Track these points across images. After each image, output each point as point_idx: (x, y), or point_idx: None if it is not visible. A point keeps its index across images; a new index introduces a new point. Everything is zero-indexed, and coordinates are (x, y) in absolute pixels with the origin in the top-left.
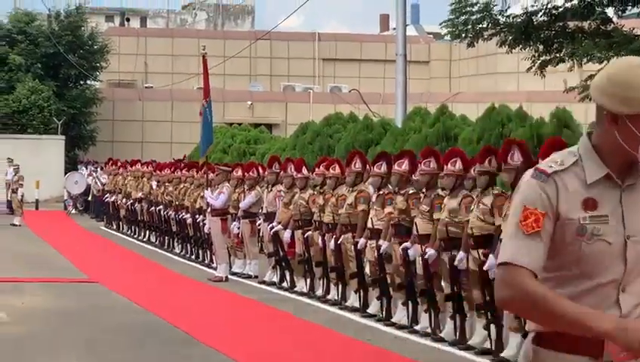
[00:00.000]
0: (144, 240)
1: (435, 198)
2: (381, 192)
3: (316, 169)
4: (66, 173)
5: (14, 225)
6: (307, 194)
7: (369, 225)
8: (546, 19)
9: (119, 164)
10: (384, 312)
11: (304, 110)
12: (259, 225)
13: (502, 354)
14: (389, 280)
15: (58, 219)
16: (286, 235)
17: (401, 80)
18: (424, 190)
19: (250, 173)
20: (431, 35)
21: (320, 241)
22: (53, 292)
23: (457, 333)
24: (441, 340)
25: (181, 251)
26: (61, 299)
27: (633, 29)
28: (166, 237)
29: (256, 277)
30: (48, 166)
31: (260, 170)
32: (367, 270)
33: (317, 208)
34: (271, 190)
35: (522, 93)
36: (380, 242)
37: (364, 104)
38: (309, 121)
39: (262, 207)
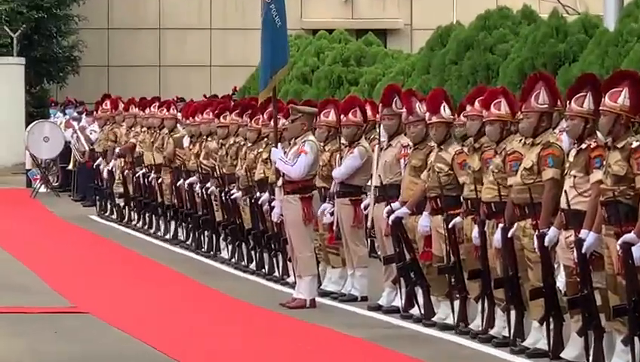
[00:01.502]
0: (166, 237)
1: None
2: (584, 146)
3: (467, 107)
4: (28, 125)
5: None
6: (451, 153)
7: (563, 204)
8: None
9: (121, 105)
10: (590, 359)
11: (442, 5)
12: (366, 207)
13: None
14: (598, 301)
15: (17, 204)
16: (422, 224)
17: None
18: None
19: (351, 117)
20: None
21: (475, 234)
22: (12, 330)
23: None
24: None
25: (231, 257)
26: (28, 341)
27: None
28: (205, 233)
29: (364, 299)
30: None
31: (369, 112)
32: (560, 282)
33: (468, 176)
34: (387, 147)
35: None
36: (582, 233)
37: None
38: (452, 23)
39: (375, 175)
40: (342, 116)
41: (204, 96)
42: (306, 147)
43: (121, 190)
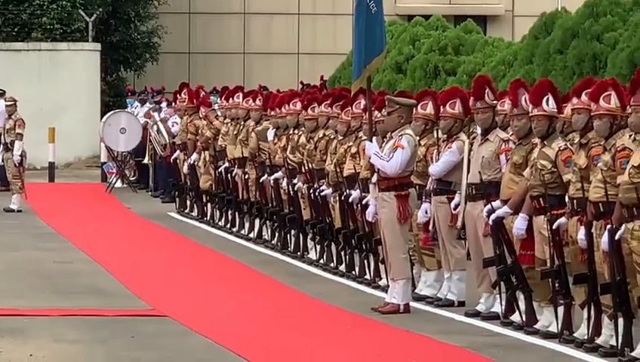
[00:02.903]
0: (250, 236)
1: None
2: None
3: (573, 100)
4: (104, 115)
5: (9, 210)
6: (555, 149)
7: None
8: None
9: (202, 95)
10: None
11: None
12: (456, 207)
13: None
14: None
15: (91, 199)
16: (517, 226)
17: None
18: None
19: (449, 109)
20: None
21: (581, 236)
22: (90, 335)
23: None
24: None
25: (320, 257)
26: (105, 346)
27: None
28: (292, 232)
29: (461, 303)
30: (71, 100)
31: (470, 104)
32: None
33: (574, 174)
34: (484, 141)
35: None
36: None
37: None
38: (558, 10)
39: (465, 172)
40: (441, 108)
41: (302, 83)
42: (403, 141)
43: (208, 186)
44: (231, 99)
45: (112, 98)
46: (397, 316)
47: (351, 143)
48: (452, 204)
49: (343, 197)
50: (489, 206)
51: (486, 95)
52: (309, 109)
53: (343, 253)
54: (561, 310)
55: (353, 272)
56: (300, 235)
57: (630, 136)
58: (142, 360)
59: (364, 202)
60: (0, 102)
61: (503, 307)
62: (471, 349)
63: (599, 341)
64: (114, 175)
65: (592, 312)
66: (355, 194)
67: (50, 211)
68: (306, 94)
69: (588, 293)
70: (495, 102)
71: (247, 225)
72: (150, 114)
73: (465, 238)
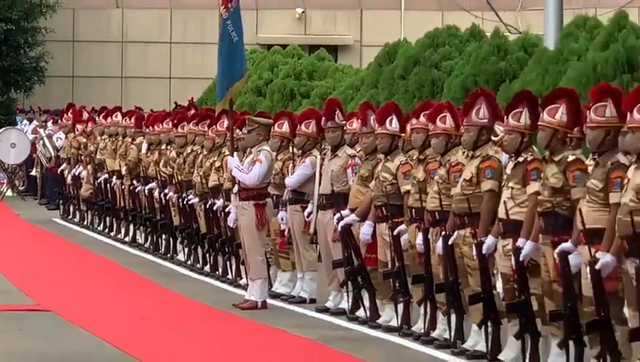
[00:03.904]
0: (126, 240)
1: (614, 169)
2: (521, 160)
3: (412, 120)
4: None
5: None
6: (396, 163)
7: (501, 214)
8: None
9: (85, 114)
10: (527, 361)
11: (391, 23)
12: (309, 215)
13: None
14: (534, 306)
15: None
16: (363, 232)
17: None
18: (595, 155)
19: (304, 128)
20: None
21: (419, 241)
22: None
23: None
24: None
25: (187, 259)
26: None
27: None
28: (163, 236)
29: (312, 301)
30: None
31: (322, 123)
32: (499, 288)
33: (413, 186)
34: (333, 157)
35: None
36: (520, 242)
37: (491, 11)
38: (400, 40)
39: (317, 184)
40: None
41: (176, 103)
42: (261, 156)
43: (88, 194)
44: (109, 118)
45: (4, 116)
46: (255, 312)
47: (215, 158)
48: (305, 213)
49: (208, 206)
50: (338, 214)
51: (336, 116)
52: (179, 127)
53: (208, 255)
54: (400, 307)
55: (217, 272)
56: (170, 239)
57: (463, 152)
58: (29, 351)
59: (226, 210)
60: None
61: (350, 304)
62: (322, 341)
63: (434, 334)
64: (5, 185)
65: (428, 309)
66: (219, 203)
67: None
68: (177, 114)
69: (424, 292)
70: (344, 122)
71: (123, 229)
72: (37, 130)
73: (316, 243)
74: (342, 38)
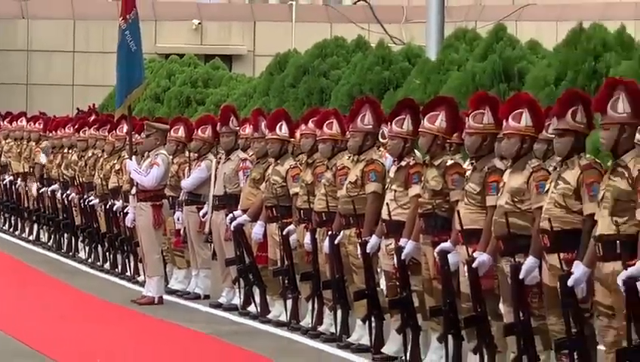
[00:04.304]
0: (30, 239)
1: (490, 173)
2: (403, 164)
3: (302, 127)
4: None
5: None
6: (286, 167)
7: (384, 215)
8: None
9: None
10: (408, 354)
11: (282, 34)
12: (204, 215)
13: None
14: (415, 302)
15: None
16: (255, 231)
17: None
18: (473, 160)
19: (201, 133)
20: None
21: (307, 240)
22: None
23: None
24: None
25: (88, 257)
26: None
27: None
28: (65, 235)
29: (207, 297)
30: None
31: (217, 129)
32: (382, 285)
33: (302, 189)
34: (226, 160)
35: (629, 5)
36: (402, 242)
37: (377, 23)
38: (290, 50)
39: (212, 186)
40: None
41: (78, 109)
42: (159, 159)
43: None
44: (15, 122)
45: None
46: (152, 307)
47: (115, 161)
48: (201, 213)
49: (108, 206)
50: (231, 214)
51: (231, 122)
52: (80, 132)
53: (108, 253)
54: (289, 302)
55: (116, 269)
56: (72, 238)
57: (349, 157)
58: None
59: (125, 210)
60: None
61: (242, 299)
62: (215, 335)
63: (321, 328)
64: None
65: (316, 304)
66: (118, 203)
67: None
68: (78, 119)
69: (312, 289)
70: (238, 127)
71: (27, 229)
72: None
73: (211, 241)
74: (236, 48)
